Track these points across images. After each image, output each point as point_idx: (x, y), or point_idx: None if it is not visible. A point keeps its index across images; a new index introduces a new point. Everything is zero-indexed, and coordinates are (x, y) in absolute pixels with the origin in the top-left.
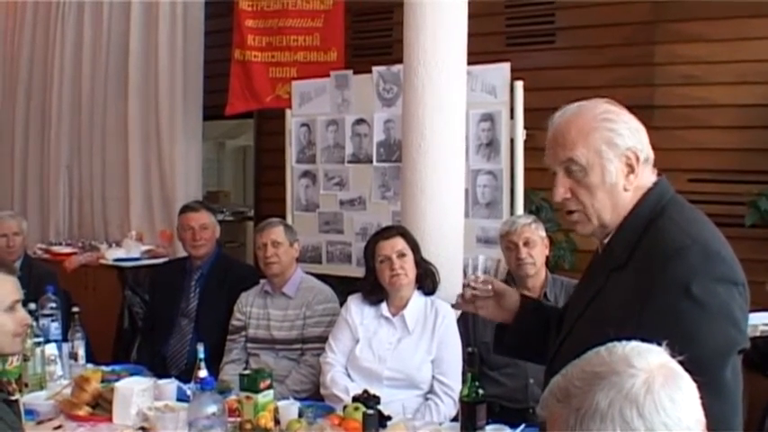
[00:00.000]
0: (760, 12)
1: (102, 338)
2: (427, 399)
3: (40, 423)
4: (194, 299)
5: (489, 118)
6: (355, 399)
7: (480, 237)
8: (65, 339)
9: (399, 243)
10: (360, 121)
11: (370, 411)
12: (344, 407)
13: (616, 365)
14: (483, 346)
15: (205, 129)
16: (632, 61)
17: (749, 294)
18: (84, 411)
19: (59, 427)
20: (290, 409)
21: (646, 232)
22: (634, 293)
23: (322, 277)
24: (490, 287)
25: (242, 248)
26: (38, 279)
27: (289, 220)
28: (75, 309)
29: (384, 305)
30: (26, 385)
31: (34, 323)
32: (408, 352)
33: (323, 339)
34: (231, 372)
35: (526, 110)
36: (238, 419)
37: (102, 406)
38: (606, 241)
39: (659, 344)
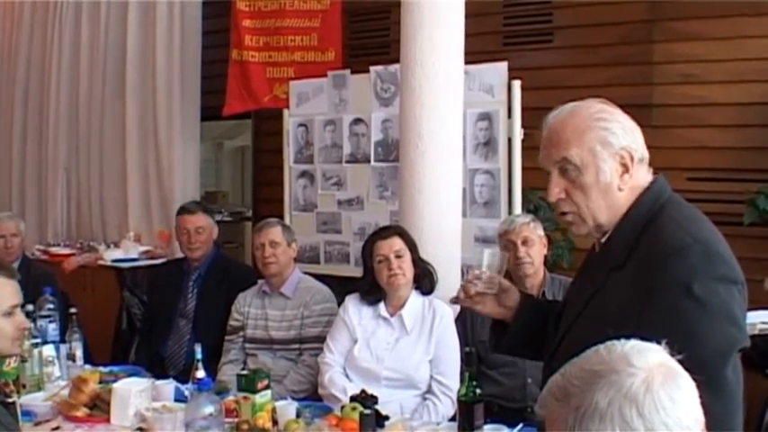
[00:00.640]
0: (758, 10)
1: (101, 339)
2: (425, 399)
3: (37, 424)
4: (192, 299)
5: (487, 117)
6: (353, 399)
7: (478, 236)
8: (63, 340)
9: (397, 243)
10: (357, 121)
11: (368, 411)
12: (342, 407)
13: (615, 364)
14: (481, 345)
15: (203, 129)
16: (630, 60)
17: (747, 293)
18: (81, 412)
19: (57, 428)
20: (287, 409)
21: (644, 231)
22: (634, 292)
23: (320, 277)
24: (493, 284)
25: (240, 249)
26: (36, 280)
27: (287, 221)
28: (73, 310)
29: (382, 305)
30: (24, 386)
31: (32, 324)
32: (406, 352)
33: (321, 339)
34: (229, 372)
35: (524, 109)
36: (236, 420)
37: (99, 407)
38: (603, 240)
39: (659, 343)
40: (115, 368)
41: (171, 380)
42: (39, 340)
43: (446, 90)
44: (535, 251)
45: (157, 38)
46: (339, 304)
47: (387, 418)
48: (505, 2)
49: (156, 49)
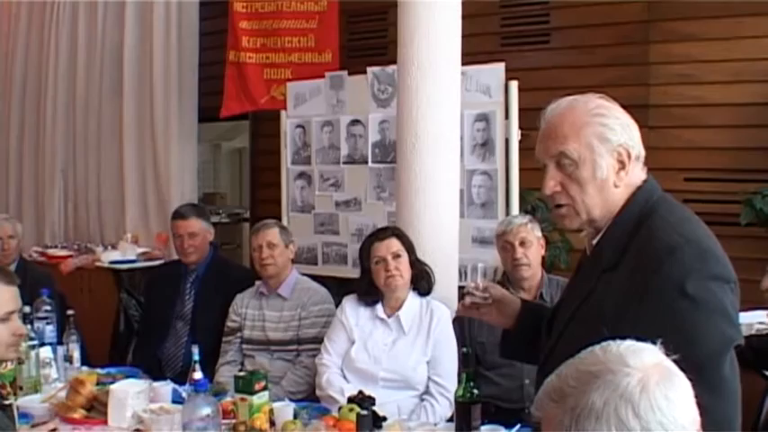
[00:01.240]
0: (754, 11)
1: (98, 341)
2: (423, 399)
3: (34, 426)
4: (189, 301)
5: (484, 118)
6: (350, 400)
7: (476, 237)
8: (60, 342)
9: (394, 244)
10: (355, 122)
11: (365, 412)
12: (339, 408)
13: (611, 364)
14: (479, 346)
15: (201, 131)
16: (627, 61)
17: (740, 291)
18: (79, 414)
19: (54, 430)
20: (285, 410)
21: (636, 232)
22: (628, 293)
23: (318, 278)
24: (488, 295)
25: (238, 250)
26: (33, 282)
27: (284, 222)
28: (71, 311)
29: (379, 306)
30: (21, 388)
31: (29, 326)
32: (404, 353)
33: (318, 340)
34: (227, 373)
35: (521, 110)
36: (233, 421)
37: (97, 409)
38: (595, 242)
39: (655, 343)
40: (112, 370)
41: (168, 381)
42: (36, 342)
43: (443, 91)
44: (533, 252)
45: (155, 39)
46: (337, 305)
47: (384, 419)
48: (502, 3)
49: (154, 50)
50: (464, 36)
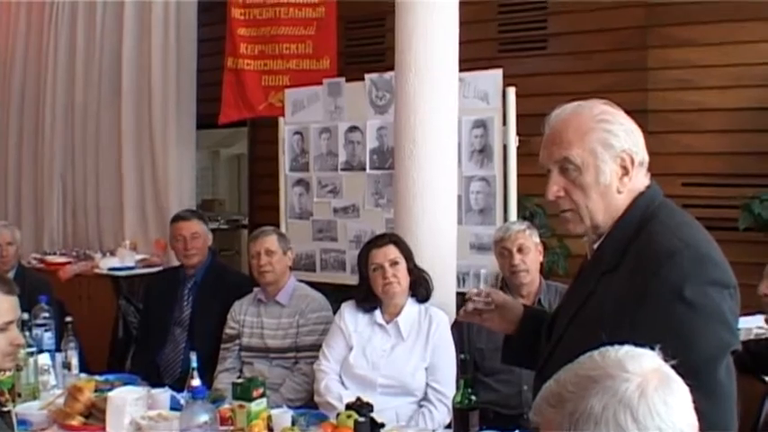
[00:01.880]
0: (751, 15)
1: (97, 348)
2: (421, 406)
3: None
4: (188, 307)
5: (482, 124)
6: (348, 406)
7: (474, 243)
8: (58, 349)
9: (392, 251)
10: (353, 129)
11: (362, 419)
12: (338, 414)
13: (610, 369)
14: (477, 352)
15: (200, 137)
16: (625, 66)
17: (740, 296)
18: (77, 421)
19: None
20: (283, 417)
21: (636, 236)
22: (626, 297)
23: (316, 285)
24: (491, 300)
25: (237, 256)
26: (31, 289)
27: (282, 228)
28: (69, 318)
29: (378, 312)
30: (19, 395)
31: (27, 333)
32: (402, 359)
33: (316, 347)
34: (225, 380)
35: (519, 116)
36: (231, 428)
37: (95, 416)
38: (596, 246)
39: (653, 348)
40: (111, 377)
41: (166, 388)
42: (34, 349)
43: (441, 97)
44: (531, 258)
45: (153, 46)
46: (335, 312)
47: (382, 425)
48: (500, 9)
49: (152, 57)
50: (462, 42)
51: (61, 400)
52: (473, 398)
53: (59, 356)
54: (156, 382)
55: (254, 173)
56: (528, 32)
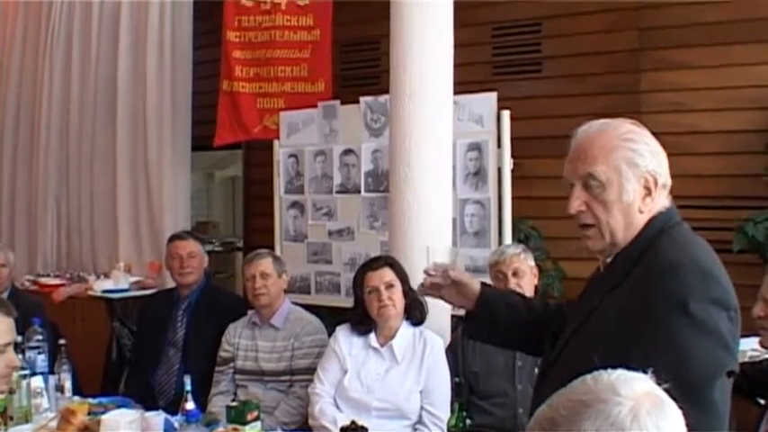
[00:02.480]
0: (744, 38)
1: (91, 370)
2: (416, 429)
3: None
4: (182, 328)
5: (476, 147)
6: (343, 429)
7: (468, 266)
8: (51, 371)
9: (387, 274)
10: (348, 152)
11: None
12: None
13: (602, 393)
14: (472, 375)
15: (194, 159)
16: (618, 89)
17: (740, 320)
18: None
19: None
20: None
21: (646, 252)
22: (629, 309)
23: (311, 308)
24: (448, 275)
25: (231, 279)
26: (25, 311)
27: (277, 251)
28: (62, 341)
29: (372, 335)
30: (11, 418)
31: (20, 355)
32: (397, 382)
33: (311, 371)
34: (219, 403)
35: (513, 139)
36: None
37: None
38: (609, 260)
39: (650, 359)
40: (104, 399)
41: (160, 411)
42: (27, 371)
43: (435, 120)
44: (526, 282)
45: (148, 68)
46: (330, 335)
47: None
48: (494, 32)
49: (147, 79)
50: (456, 65)
51: (54, 424)
52: (468, 421)
53: (52, 379)
54: (149, 405)
55: (249, 195)
56: (522, 55)
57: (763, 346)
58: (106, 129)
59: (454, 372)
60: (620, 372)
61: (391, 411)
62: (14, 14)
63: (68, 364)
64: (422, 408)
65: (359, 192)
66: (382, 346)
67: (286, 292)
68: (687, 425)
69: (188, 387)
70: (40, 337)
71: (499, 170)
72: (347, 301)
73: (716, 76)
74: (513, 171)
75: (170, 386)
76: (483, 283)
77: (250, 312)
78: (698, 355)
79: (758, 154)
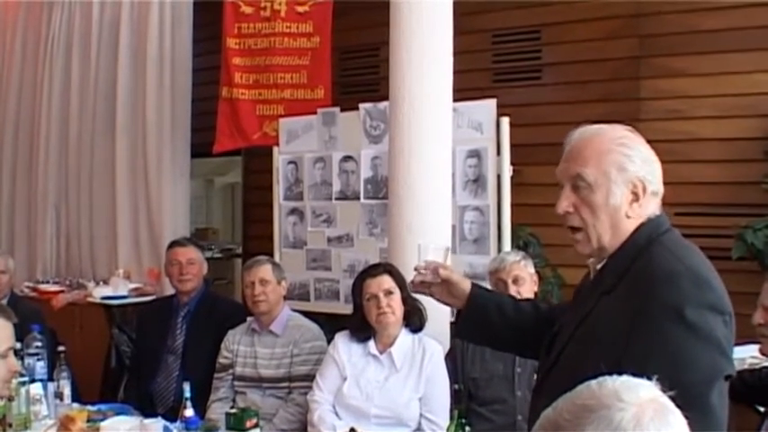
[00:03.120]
0: (743, 46)
1: (90, 377)
2: None
3: None
4: (181, 335)
5: (476, 154)
6: None
7: (468, 273)
8: (51, 378)
9: (386, 281)
10: (347, 158)
11: None
12: None
13: (606, 399)
14: (471, 382)
15: (194, 166)
16: (618, 96)
17: (735, 325)
18: None
19: None
20: None
21: (638, 258)
22: (624, 315)
23: (310, 315)
24: (438, 273)
25: (230, 286)
26: (24, 317)
27: (276, 258)
28: (62, 347)
29: (372, 342)
30: (10, 425)
31: (19, 362)
32: (396, 389)
33: (310, 378)
34: (218, 410)
35: (513, 146)
36: None
37: None
38: (599, 267)
39: (647, 366)
40: (103, 406)
41: (159, 418)
42: (26, 378)
43: (435, 127)
44: (526, 289)
45: (148, 75)
46: (329, 342)
47: None
48: (494, 39)
49: (147, 85)
50: (456, 72)
51: (53, 431)
52: (467, 428)
53: (51, 386)
54: (148, 412)
55: (248, 202)
56: (522, 62)
57: (762, 353)
58: (106, 135)
59: (453, 379)
60: (625, 378)
61: (390, 418)
62: (14, 24)
63: (67, 370)
64: (421, 415)
65: (358, 198)
66: (381, 353)
67: (285, 298)
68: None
69: (187, 394)
70: (39, 344)
71: (498, 177)
72: (346, 308)
73: (715, 83)
74: (512, 178)
75: (169, 393)
76: (473, 283)
77: (249, 319)
78: (696, 360)
79: (757, 161)
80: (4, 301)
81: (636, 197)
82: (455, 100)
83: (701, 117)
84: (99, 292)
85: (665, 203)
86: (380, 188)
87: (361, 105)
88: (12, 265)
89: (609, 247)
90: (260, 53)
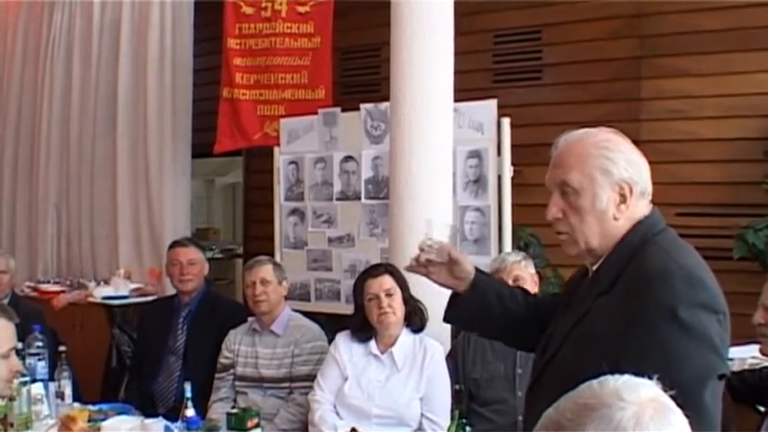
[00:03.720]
0: (744, 46)
1: (91, 377)
2: None
3: None
4: (182, 336)
5: (476, 155)
6: None
7: None
8: (52, 378)
9: (387, 281)
10: (348, 159)
11: None
12: None
13: (606, 398)
14: (472, 382)
15: (194, 166)
16: (619, 97)
17: (730, 325)
18: None
19: None
20: None
21: (633, 258)
22: (619, 315)
23: (311, 315)
24: (446, 253)
25: (231, 286)
26: (25, 318)
27: (277, 258)
28: (63, 347)
29: (373, 342)
30: (11, 425)
31: (20, 362)
32: (397, 389)
33: (311, 378)
34: (219, 410)
35: (513, 146)
36: None
37: None
38: (595, 268)
39: (641, 365)
40: (104, 406)
41: (160, 418)
42: (27, 378)
43: (436, 128)
44: (526, 289)
45: (149, 75)
46: (330, 342)
47: None
48: (495, 39)
49: (148, 86)
50: (456, 73)
51: (54, 430)
52: (468, 428)
53: (52, 386)
54: (149, 412)
55: (249, 202)
56: (522, 63)
57: (763, 353)
58: (107, 135)
59: (454, 379)
60: (627, 377)
61: (391, 418)
62: (15, 25)
63: (68, 370)
64: (422, 415)
65: (359, 199)
66: (382, 353)
67: (286, 298)
68: None
69: (188, 394)
70: (41, 344)
71: (499, 177)
72: (347, 309)
73: (716, 83)
74: (513, 178)
75: (170, 393)
76: (478, 270)
77: (250, 319)
78: (688, 359)
79: (758, 162)
80: (6, 302)
81: (623, 199)
82: (456, 100)
83: (703, 117)
84: (100, 292)
85: (667, 203)
86: (381, 188)
87: (362, 106)
88: (13, 265)
89: (599, 249)
90: (261, 53)
